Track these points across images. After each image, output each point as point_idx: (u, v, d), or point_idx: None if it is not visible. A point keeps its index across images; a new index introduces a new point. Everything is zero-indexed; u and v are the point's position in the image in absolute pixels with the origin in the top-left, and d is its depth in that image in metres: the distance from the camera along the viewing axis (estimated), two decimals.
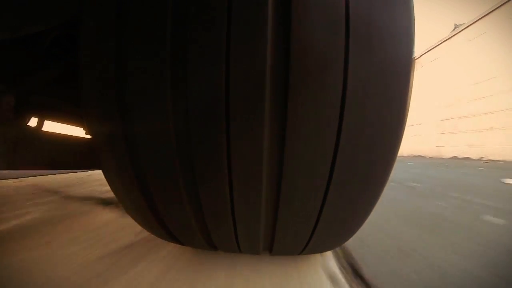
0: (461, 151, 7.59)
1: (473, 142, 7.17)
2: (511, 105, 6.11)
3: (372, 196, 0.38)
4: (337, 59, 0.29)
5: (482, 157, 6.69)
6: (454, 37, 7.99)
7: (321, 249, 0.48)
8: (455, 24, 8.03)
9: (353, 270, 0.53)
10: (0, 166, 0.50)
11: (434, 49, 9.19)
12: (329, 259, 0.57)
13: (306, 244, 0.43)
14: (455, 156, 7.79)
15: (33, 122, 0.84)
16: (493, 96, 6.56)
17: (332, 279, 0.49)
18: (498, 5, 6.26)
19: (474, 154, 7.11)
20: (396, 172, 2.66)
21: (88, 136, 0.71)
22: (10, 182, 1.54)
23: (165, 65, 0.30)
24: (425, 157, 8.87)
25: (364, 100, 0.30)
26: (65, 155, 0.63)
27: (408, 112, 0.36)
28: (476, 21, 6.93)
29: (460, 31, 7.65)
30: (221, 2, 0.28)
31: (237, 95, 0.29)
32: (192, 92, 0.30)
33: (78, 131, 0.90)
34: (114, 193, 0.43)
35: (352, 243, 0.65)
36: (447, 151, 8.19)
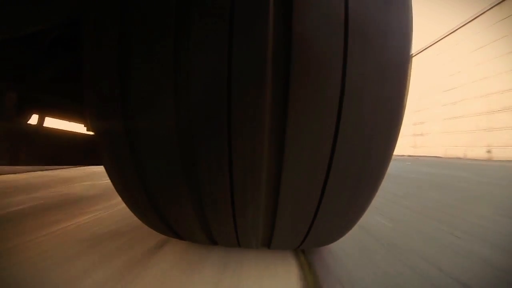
0: None
1: None
2: None
3: (369, 190, 0.39)
4: (336, 56, 0.29)
5: None
6: None
7: (318, 243, 0.49)
8: None
9: None
10: (3, 162, 0.51)
11: None
12: None
13: (304, 238, 0.44)
14: None
15: (33, 119, 0.84)
16: None
17: None
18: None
19: None
20: None
21: (89, 133, 0.72)
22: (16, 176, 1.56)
23: (168, 61, 0.31)
24: None
25: (362, 97, 0.31)
26: (66, 151, 0.64)
27: (405, 108, 0.36)
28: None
29: None
30: (224, 1, 0.29)
31: (239, 89, 0.30)
32: (194, 87, 0.31)
33: (78, 128, 0.91)
34: (115, 187, 0.43)
35: None
36: None
